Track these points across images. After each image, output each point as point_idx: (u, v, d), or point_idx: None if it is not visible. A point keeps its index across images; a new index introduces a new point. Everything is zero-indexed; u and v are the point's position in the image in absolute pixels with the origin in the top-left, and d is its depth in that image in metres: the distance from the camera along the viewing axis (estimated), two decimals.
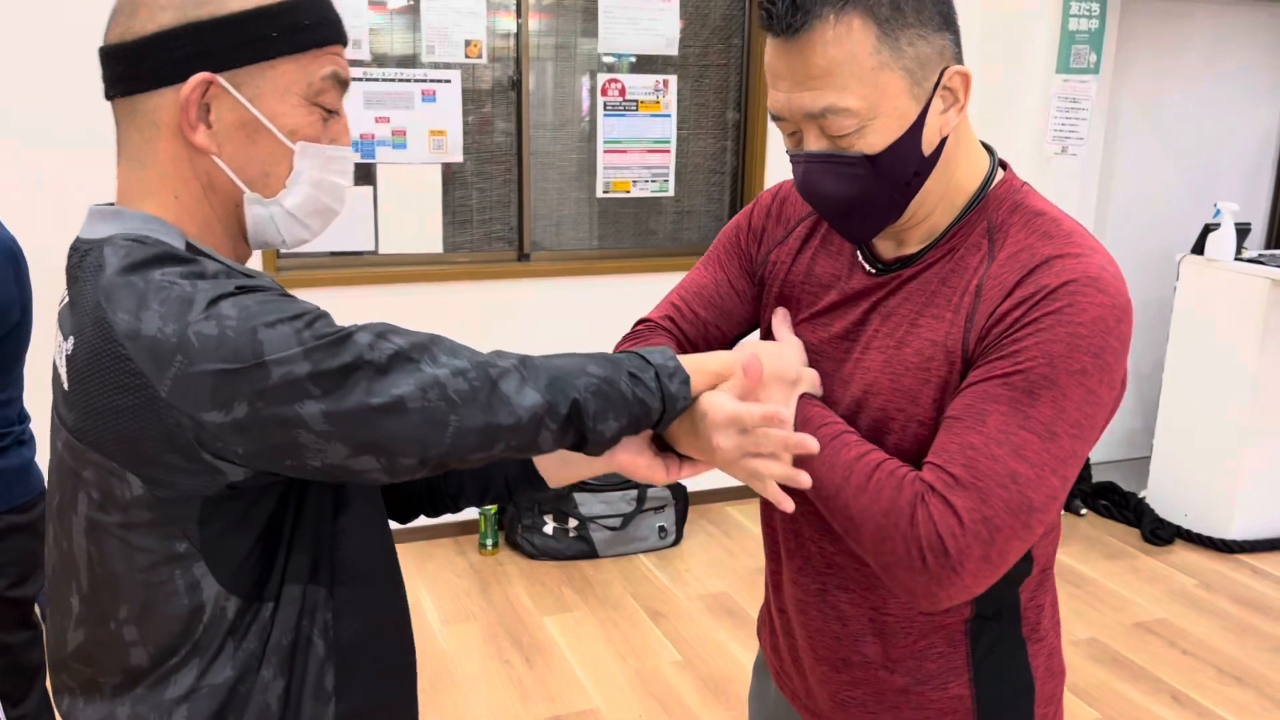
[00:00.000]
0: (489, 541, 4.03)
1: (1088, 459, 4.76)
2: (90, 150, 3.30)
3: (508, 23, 4.00)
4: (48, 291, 2.87)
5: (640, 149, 4.27)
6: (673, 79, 4.25)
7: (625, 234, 4.38)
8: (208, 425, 0.87)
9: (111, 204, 1.00)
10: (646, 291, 4.19)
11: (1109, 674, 3.30)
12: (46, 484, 1.57)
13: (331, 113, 1.02)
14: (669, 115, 4.28)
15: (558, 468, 1.24)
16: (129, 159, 0.99)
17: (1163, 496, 4.42)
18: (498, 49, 4.01)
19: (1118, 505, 4.51)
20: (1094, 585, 3.91)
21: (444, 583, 3.82)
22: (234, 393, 0.87)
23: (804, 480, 1.05)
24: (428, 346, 0.94)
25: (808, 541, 1.22)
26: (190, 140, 0.96)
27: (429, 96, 3.92)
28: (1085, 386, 1.00)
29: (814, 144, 1.07)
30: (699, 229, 4.47)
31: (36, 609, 2.26)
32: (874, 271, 1.17)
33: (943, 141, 1.07)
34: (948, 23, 1.05)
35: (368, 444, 0.90)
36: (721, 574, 3.93)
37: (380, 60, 3.86)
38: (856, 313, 1.17)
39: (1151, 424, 4.78)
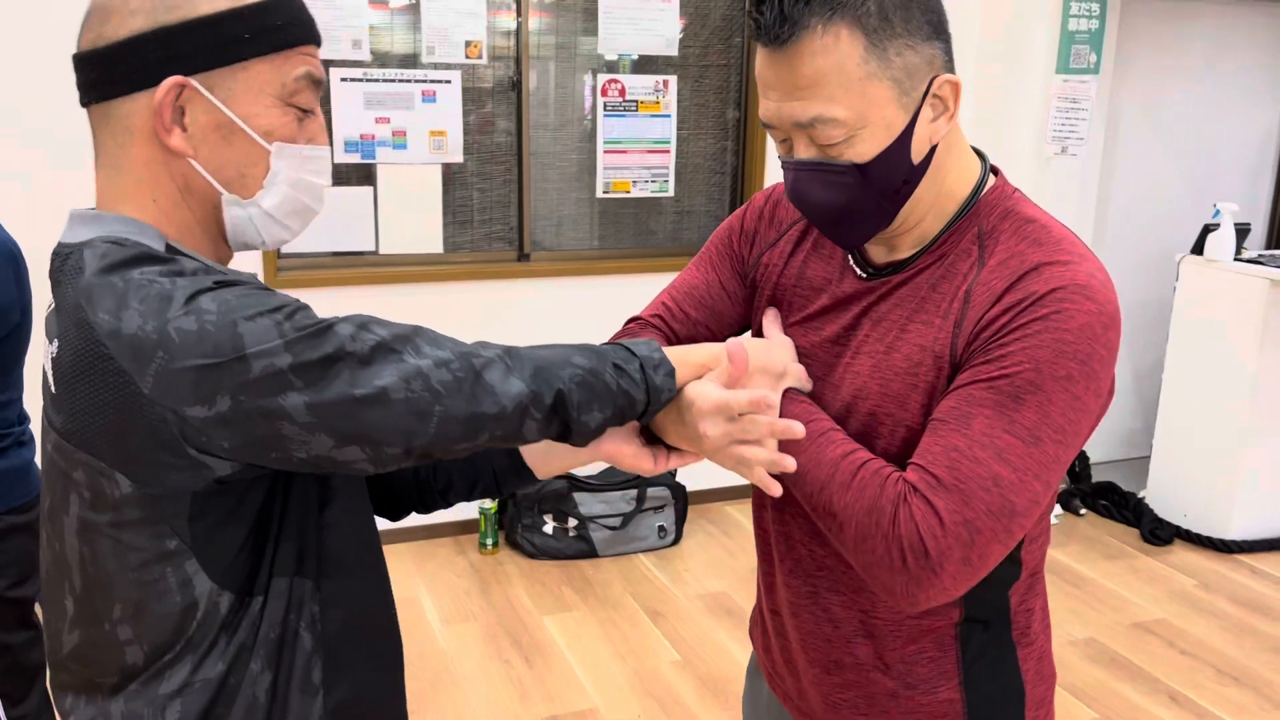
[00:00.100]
0: (489, 541, 4.04)
1: (1088, 459, 4.77)
2: (91, 153, 3.30)
3: (508, 22, 4.00)
4: (48, 294, 2.88)
5: (640, 149, 4.28)
6: (673, 79, 4.25)
7: (625, 234, 4.39)
8: (192, 420, 0.88)
9: (92, 209, 1.01)
10: (646, 292, 4.20)
11: (1107, 674, 3.30)
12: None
13: (307, 112, 1.02)
14: (669, 115, 4.28)
15: (544, 458, 1.25)
16: (106, 164, 1.00)
17: (1162, 496, 4.43)
18: (498, 49, 4.02)
19: (1117, 505, 4.51)
20: (1093, 585, 3.91)
21: (444, 582, 3.83)
22: (216, 387, 0.87)
23: (789, 464, 1.06)
24: (410, 338, 0.94)
25: (798, 544, 1.23)
26: (165, 144, 0.96)
27: (429, 97, 3.92)
28: (1071, 393, 1.00)
29: (804, 152, 1.07)
30: (699, 229, 4.47)
31: (37, 609, 2.27)
32: (865, 276, 1.17)
33: (932, 149, 1.08)
34: (937, 32, 1.05)
35: (352, 435, 0.90)
36: (721, 574, 3.93)
37: (381, 61, 3.87)
38: (847, 317, 1.18)
39: (1151, 424, 4.79)
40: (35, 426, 3.14)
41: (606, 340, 1.14)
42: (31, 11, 3.34)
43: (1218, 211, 4.21)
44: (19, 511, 2.12)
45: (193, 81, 0.95)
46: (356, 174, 3.93)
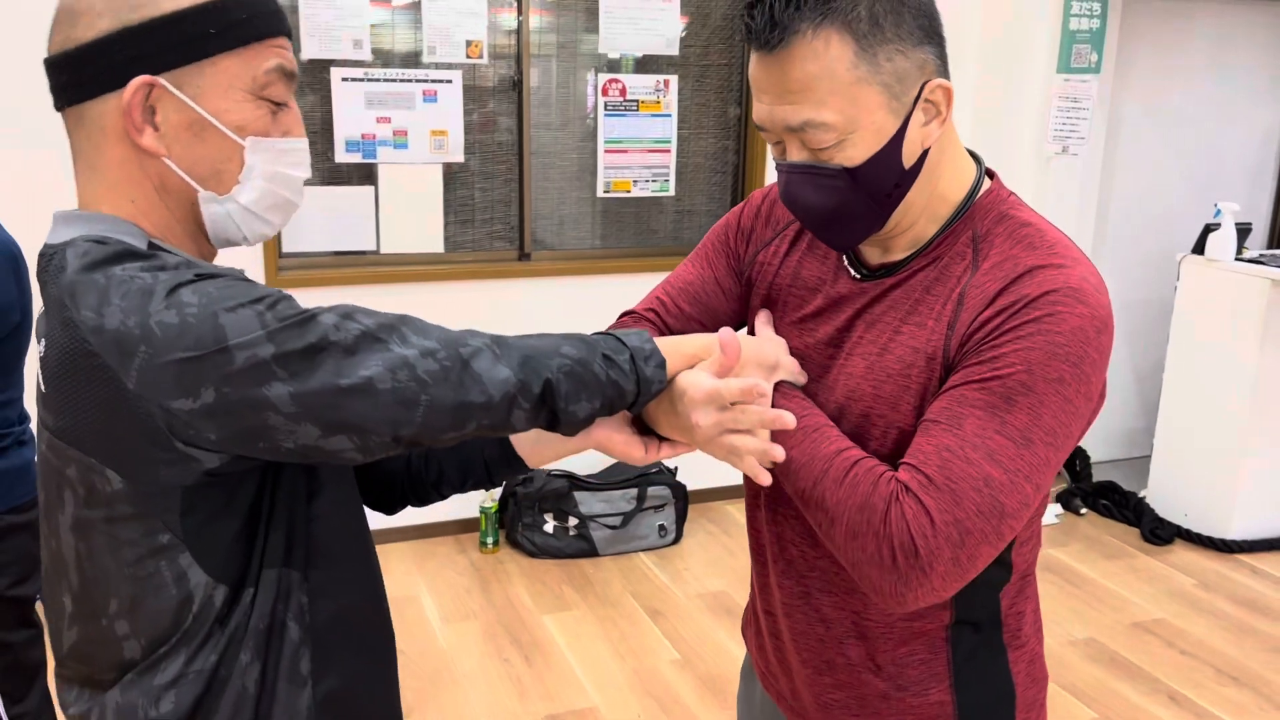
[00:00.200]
0: (489, 540, 4.05)
1: (1089, 458, 4.77)
2: None
3: (509, 22, 4.01)
4: None
5: (641, 149, 4.28)
6: (673, 79, 4.25)
7: (626, 233, 4.39)
8: (177, 413, 0.88)
9: (75, 209, 1.01)
10: (647, 291, 4.20)
11: (1107, 674, 3.30)
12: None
13: (280, 105, 1.02)
14: (670, 115, 4.29)
15: (534, 446, 1.24)
16: (83, 166, 1.00)
17: (1162, 496, 4.43)
18: (499, 48, 4.02)
19: (1117, 505, 4.51)
20: (1093, 585, 3.91)
21: (444, 581, 3.84)
22: (200, 379, 0.87)
23: (779, 454, 1.06)
24: (396, 327, 0.94)
25: (790, 545, 1.24)
26: (137, 144, 0.96)
27: (430, 96, 3.93)
28: (1062, 395, 1.01)
29: (795, 155, 1.08)
30: (700, 228, 4.48)
31: (38, 608, 2.28)
32: (859, 277, 1.18)
33: (925, 154, 1.08)
34: (929, 36, 1.05)
35: (338, 424, 0.91)
36: (721, 573, 3.94)
37: (382, 60, 3.87)
38: (841, 319, 1.18)
39: (1151, 424, 4.78)
40: (36, 426, 3.15)
41: (599, 331, 1.14)
42: (31, 11, 3.35)
43: (1219, 211, 4.20)
44: (19, 511, 2.13)
45: (161, 80, 0.95)
46: (358, 173, 3.93)
